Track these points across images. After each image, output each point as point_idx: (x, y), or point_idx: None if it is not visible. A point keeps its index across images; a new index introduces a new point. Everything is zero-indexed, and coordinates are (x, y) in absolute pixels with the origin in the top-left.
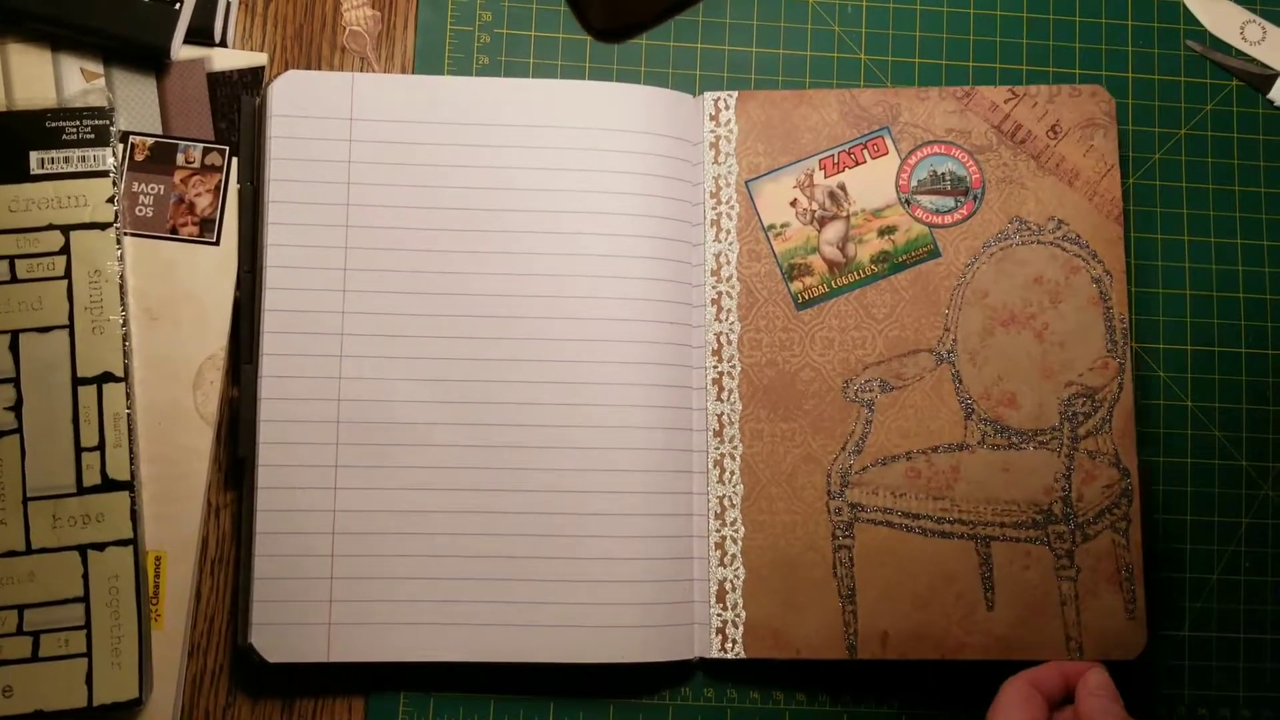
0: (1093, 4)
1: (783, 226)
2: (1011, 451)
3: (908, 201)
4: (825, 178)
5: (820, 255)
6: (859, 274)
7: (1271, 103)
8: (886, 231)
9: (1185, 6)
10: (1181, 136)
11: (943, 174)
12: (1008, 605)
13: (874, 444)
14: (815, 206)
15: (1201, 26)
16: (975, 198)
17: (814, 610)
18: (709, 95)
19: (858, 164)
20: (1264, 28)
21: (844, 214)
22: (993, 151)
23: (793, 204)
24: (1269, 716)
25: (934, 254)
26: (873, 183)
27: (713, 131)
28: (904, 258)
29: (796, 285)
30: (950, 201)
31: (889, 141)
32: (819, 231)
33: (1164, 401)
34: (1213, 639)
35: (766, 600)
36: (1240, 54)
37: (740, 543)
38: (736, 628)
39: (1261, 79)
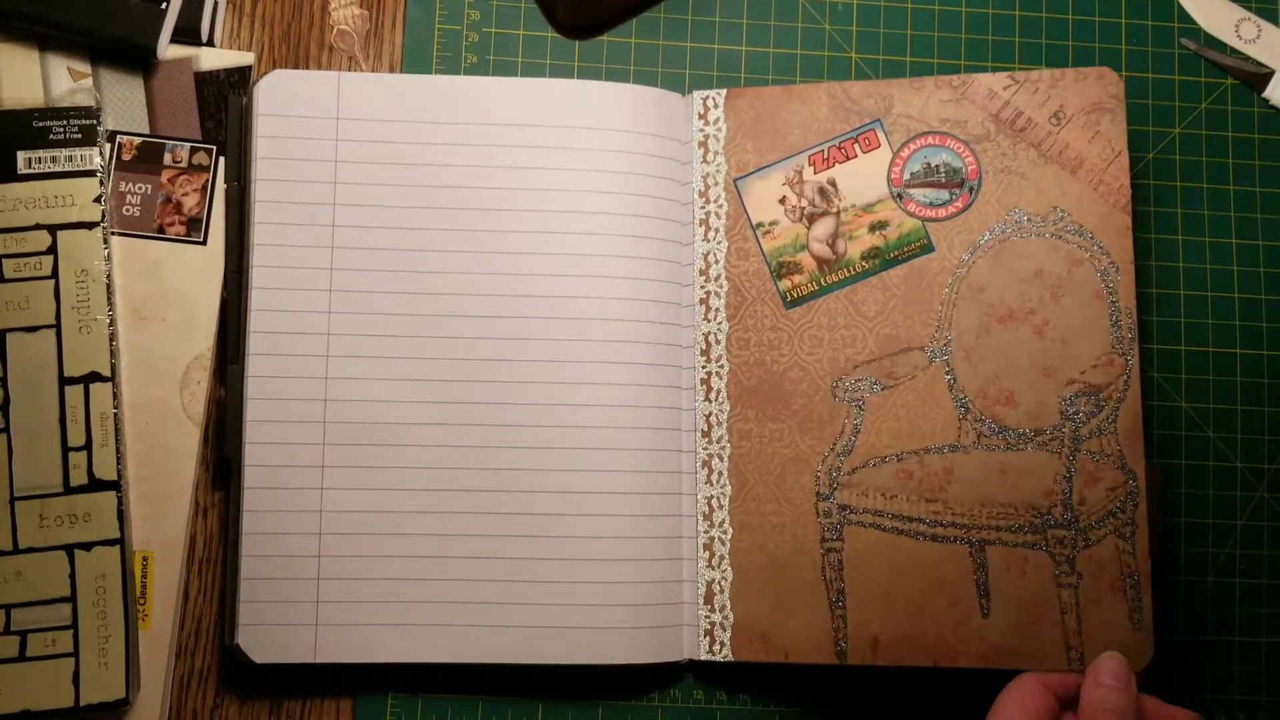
0: (1086, 1)
1: (771, 224)
2: (1009, 452)
3: (900, 195)
4: (815, 173)
5: (809, 253)
6: (849, 271)
7: (1267, 101)
8: (878, 227)
9: (1180, 4)
10: (1176, 135)
11: (937, 166)
12: (1004, 613)
13: (864, 445)
14: (804, 203)
15: (1196, 24)
16: (971, 190)
17: (803, 613)
18: (697, 94)
19: (848, 158)
20: (1259, 25)
21: (834, 210)
22: (990, 141)
23: (782, 201)
24: None
25: (927, 249)
26: (864, 177)
27: (701, 130)
28: (896, 253)
29: (785, 284)
30: (944, 194)
31: (881, 134)
32: (808, 229)
33: (1158, 403)
34: (1207, 643)
35: (755, 602)
36: (1235, 52)
37: (728, 544)
38: (725, 630)
39: (1256, 77)
